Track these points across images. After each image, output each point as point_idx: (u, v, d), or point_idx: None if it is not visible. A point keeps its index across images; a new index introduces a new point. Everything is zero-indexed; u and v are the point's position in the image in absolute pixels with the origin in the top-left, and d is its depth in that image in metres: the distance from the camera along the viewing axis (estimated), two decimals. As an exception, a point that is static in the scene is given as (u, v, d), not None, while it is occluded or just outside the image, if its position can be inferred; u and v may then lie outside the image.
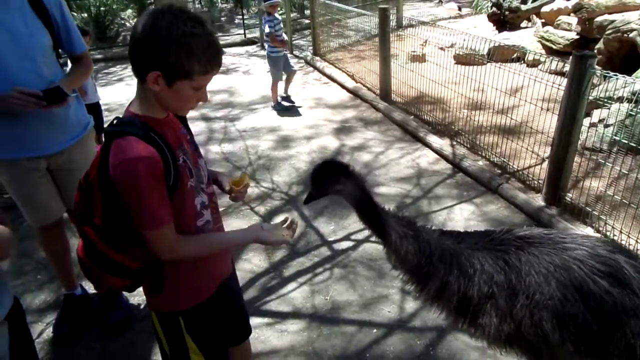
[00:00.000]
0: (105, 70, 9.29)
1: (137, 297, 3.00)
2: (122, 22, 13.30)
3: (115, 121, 1.44)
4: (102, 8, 12.14)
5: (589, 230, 3.43)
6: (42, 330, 2.78)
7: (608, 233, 3.35)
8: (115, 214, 1.41)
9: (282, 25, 6.45)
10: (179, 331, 1.64)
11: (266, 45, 6.50)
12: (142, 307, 2.93)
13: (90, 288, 3.04)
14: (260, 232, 1.60)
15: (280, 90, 6.65)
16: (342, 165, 1.76)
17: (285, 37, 6.54)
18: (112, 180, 1.37)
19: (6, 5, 2.10)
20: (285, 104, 6.56)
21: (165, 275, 1.54)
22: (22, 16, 2.14)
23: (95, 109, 4.73)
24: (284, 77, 6.61)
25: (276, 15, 6.32)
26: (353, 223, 3.71)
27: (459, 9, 12.00)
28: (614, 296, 1.61)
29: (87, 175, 1.48)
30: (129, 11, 14.24)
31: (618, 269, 1.65)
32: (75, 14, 11.79)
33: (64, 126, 2.36)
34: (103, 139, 1.47)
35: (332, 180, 1.76)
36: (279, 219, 3.79)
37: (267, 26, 6.13)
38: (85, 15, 11.90)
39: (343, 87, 7.27)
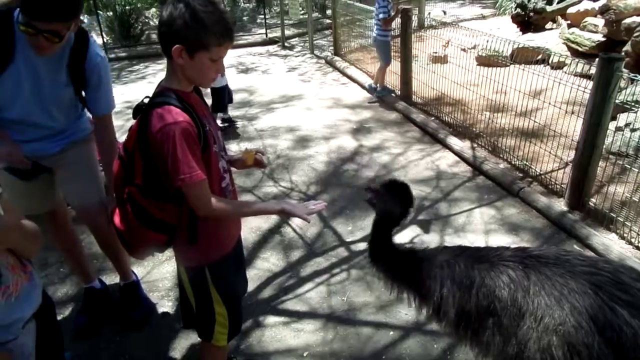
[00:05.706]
0: (129, 68, 9.46)
1: (156, 292, 3.04)
2: (146, 20, 13.48)
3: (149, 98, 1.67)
4: (127, 7, 12.34)
5: (613, 237, 3.35)
6: (63, 322, 2.83)
7: (633, 240, 3.27)
8: (153, 174, 1.65)
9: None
10: (205, 283, 1.86)
11: (374, 30, 6.40)
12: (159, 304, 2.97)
13: (109, 282, 3.09)
14: (286, 204, 1.80)
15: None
16: (409, 195, 2.02)
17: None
18: (150, 145, 1.59)
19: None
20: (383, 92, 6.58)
21: (198, 230, 1.77)
22: (54, 64, 2.13)
23: None
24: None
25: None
26: (370, 224, 3.69)
27: (444, 13, 11.95)
28: (635, 329, 1.44)
29: (125, 147, 1.71)
30: (153, 10, 14.45)
31: None
32: (100, 12, 12.01)
33: (61, 139, 2.39)
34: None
35: (397, 203, 2.02)
36: (296, 219, 3.82)
37: (381, 13, 6.10)
38: (111, 13, 12.11)
39: (363, 87, 7.25)
